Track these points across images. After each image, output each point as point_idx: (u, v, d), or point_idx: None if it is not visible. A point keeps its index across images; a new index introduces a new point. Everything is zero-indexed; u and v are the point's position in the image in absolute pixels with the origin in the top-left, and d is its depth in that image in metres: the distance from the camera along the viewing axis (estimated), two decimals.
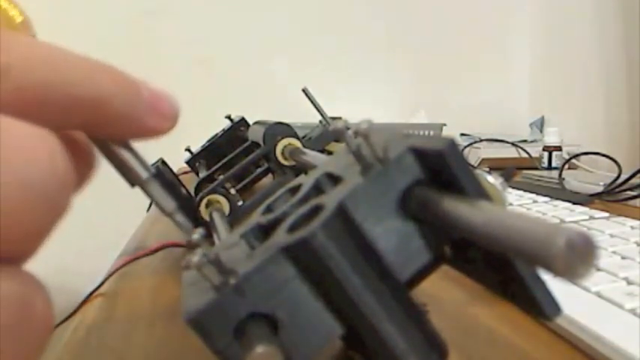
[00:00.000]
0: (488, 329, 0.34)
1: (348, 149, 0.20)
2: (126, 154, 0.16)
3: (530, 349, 0.31)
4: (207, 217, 0.48)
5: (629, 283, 0.35)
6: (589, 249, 0.11)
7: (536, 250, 0.11)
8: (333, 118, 0.63)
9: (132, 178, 0.17)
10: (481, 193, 0.17)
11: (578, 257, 0.11)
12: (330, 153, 0.56)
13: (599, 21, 1.18)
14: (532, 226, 0.12)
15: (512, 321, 0.34)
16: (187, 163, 0.90)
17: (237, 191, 0.53)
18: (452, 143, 0.17)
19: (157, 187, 0.17)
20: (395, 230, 0.18)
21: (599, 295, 0.34)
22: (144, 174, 0.17)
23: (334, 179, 0.21)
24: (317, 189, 0.22)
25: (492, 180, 0.25)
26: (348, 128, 0.20)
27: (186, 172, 0.91)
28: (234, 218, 0.48)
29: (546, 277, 0.19)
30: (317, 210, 0.19)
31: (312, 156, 0.46)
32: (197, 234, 0.18)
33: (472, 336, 0.33)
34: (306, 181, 0.22)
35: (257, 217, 0.22)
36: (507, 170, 0.23)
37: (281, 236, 0.18)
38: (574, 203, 0.59)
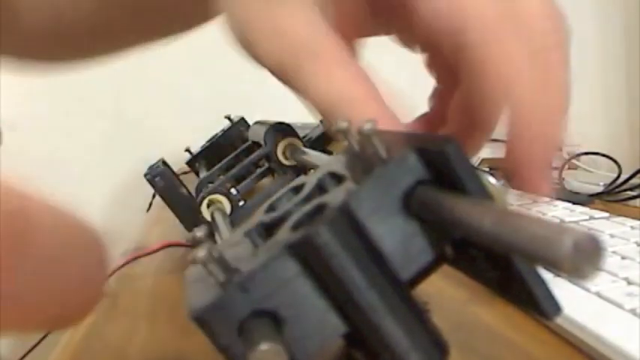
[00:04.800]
0: (489, 328, 0.34)
1: (351, 149, 0.20)
2: None
3: (530, 348, 0.31)
4: (208, 217, 0.48)
5: (629, 283, 0.35)
6: (596, 249, 0.11)
7: (543, 250, 0.11)
8: None
9: None
10: (484, 193, 0.17)
11: (585, 258, 0.11)
12: (330, 153, 0.56)
13: (600, 20, 1.18)
14: (538, 227, 0.12)
15: (512, 320, 0.34)
16: (187, 163, 0.90)
17: (237, 191, 0.53)
18: (455, 143, 0.17)
19: None
20: (398, 229, 0.18)
21: (599, 295, 0.34)
22: None
23: (337, 178, 0.21)
24: (320, 188, 0.22)
25: (494, 181, 0.25)
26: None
27: (185, 173, 0.91)
28: (235, 218, 0.48)
29: (547, 276, 0.19)
30: (321, 208, 0.19)
31: (313, 156, 0.46)
32: (200, 231, 0.18)
33: (472, 335, 0.33)
34: (309, 180, 0.22)
35: (260, 216, 0.22)
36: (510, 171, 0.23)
37: (285, 234, 0.18)
38: (574, 203, 0.59)
